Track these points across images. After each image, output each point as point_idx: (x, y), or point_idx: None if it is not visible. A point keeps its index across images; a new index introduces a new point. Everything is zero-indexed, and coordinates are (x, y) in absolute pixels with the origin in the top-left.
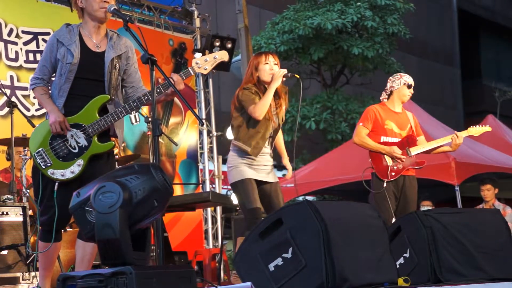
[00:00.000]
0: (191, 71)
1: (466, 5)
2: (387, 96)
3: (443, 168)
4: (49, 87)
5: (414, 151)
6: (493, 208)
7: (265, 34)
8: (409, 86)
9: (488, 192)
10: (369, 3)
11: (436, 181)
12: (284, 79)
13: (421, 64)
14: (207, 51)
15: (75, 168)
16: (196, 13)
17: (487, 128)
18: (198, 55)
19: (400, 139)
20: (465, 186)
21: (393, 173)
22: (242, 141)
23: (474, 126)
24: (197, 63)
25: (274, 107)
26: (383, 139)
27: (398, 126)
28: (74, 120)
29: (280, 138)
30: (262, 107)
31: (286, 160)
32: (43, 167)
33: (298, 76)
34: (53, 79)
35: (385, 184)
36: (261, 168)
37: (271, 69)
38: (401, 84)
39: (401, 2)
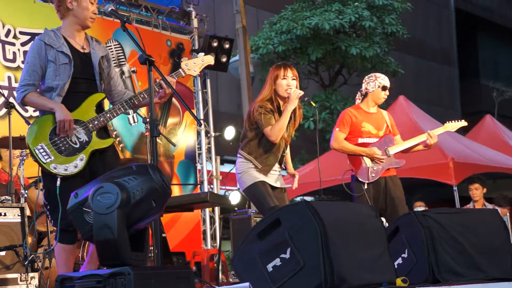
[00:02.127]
0: (182, 72)
1: (464, 4)
2: (361, 98)
3: (441, 168)
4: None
5: (392, 150)
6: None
7: (263, 34)
8: (383, 88)
9: (477, 191)
10: (367, 3)
11: (432, 181)
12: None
13: (419, 64)
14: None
15: (78, 163)
16: (193, 13)
17: (463, 123)
18: (200, 54)
19: (378, 139)
20: (461, 186)
21: (373, 175)
22: (253, 157)
23: (450, 122)
24: (186, 65)
25: (289, 126)
26: (361, 140)
27: (375, 126)
28: (73, 116)
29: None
30: (279, 131)
31: (292, 169)
32: (44, 161)
33: (314, 104)
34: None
35: (365, 186)
36: (271, 174)
37: (288, 85)
38: (376, 87)
39: (399, 2)
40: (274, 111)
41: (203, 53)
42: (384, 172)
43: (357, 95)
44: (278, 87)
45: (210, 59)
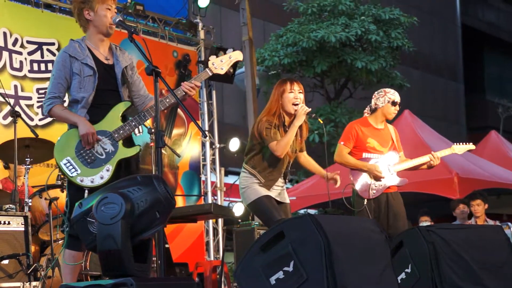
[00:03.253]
0: (208, 72)
1: (470, 20)
2: (370, 112)
3: (446, 183)
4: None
5: (395, 168)
6: (489, 224)
7: (269, 46)
8: (393, 104)
9: (478, 207)
10: (373, 17)
11: (436, 196)
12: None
13: (425, 78)
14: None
15: (104, 174)
16: (200, 25)
17: (470, 146)
18: (212, 57)
19: (381, 156)
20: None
21: (374, 191)
22: (257, 171)
23: (458, 144)
24: (213, 64)
25: (294, 141)
26: (365, 155)
27: (380, 143)
28: (98, 127)
29: (310, 161)
30: (284, 146)
31: (326, 173)
32: (71, 175)
33: (321, 121)
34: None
35: (365, 202)
36: (273, 188)
37: (295, 98)
38: (386, 102)
39: (405, 16)
40: (280, 126)
41: (232, 49)
42: (387, 189)
43: (366, 109)
44: (284, 101)
45: (238, 55)
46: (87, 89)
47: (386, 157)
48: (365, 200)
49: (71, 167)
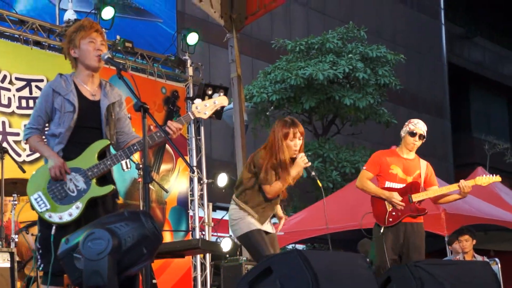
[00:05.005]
0: (191, 115)
1: (456, 59)
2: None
3: (434, 219)
4: (43, 136)
5: (416, 198)
6: (476, 260)
7: (257, 83)
8: (412, 134)
9: (467, 243)
10: (361, 55)
11: (425, 232)
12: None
13: (412, 116)
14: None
15: (74, 211)
16: (189, 62)
17: (496, 178)
18: (197, 101)
19: (404, 185)
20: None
21: (390, 219)
22: (250, 206)
23: (482, 176)
24: (197, 107)
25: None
26: (388, 184)
27: (404, 171)
28: (73, 164)
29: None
30: (278, 191)
31: (280, 212)
32: (40, 210)
33: (320, 185)
34: (46, 129)
35: (382, 230)
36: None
37: (295, 145)
38: (406, 132)
39: (392, 54)
40: (277, 167)
41: (217, 94)
42: (407, 219)
43: None
44: (284, 147)
45: (224, 100)
46: (65, 125)
47: (408, 186)
48: (382, 228)
49: (41, 202)
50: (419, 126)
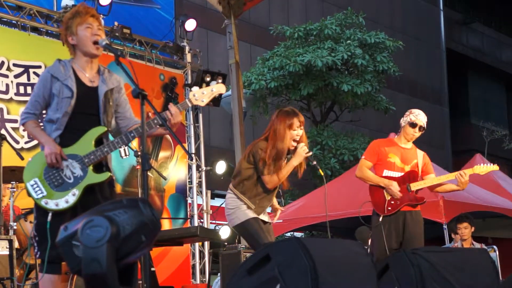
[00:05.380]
0: (188, 103)
1: (454, 45)
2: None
3: (432, 206)
4: (40, 122)
5: (414, 186)
6: (474, 247)
7: (256, 70)
8: (412, 125)
9: (465, 230)
10: (359, 41)
11: (423, 219)
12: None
13: (410, 102)
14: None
15: (70, 198)
16: (187, 48)
17: (494, 167)
18: (194, 88)
19: (402, 174)
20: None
21: (389, 208)
22: (247, 197)
23: (480, 165)
24: (194, 95)
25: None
26: (386, 173)
27: (402, 160)
28: (70, 150)
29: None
30: (278, 182)
31: (276, 204)
32: (36, 197)
33: (322, 173)
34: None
35: (380, 219)
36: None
37: (298, 135)
38: (406, 122)
39: (391, 40)
40: (277, 158)
41: (215, 82)
42: (405, 207)
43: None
44: (287, 136)
45: (221, 88)
46: (62, 110)
47: (406, 175)
48: (381, 217)
49: (37, 188)
50: (420, 117)
